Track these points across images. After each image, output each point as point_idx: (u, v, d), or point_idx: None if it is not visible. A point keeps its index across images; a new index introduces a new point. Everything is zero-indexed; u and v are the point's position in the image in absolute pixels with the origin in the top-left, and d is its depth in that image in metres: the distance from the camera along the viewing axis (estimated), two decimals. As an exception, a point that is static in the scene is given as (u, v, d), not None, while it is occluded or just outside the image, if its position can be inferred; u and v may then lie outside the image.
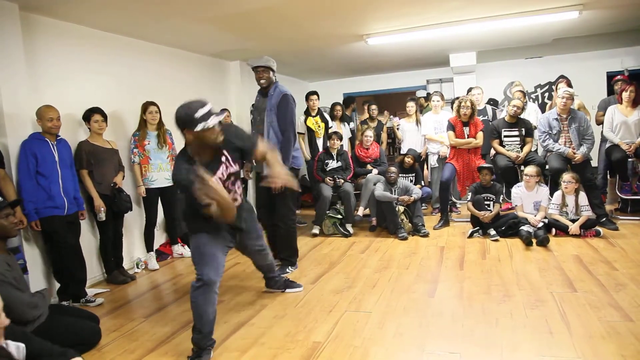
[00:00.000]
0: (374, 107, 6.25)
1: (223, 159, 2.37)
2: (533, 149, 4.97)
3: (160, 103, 4.22)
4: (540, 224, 4.22)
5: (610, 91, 5.66)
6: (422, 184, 5.58)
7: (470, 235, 4.45)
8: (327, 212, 4.99)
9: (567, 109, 4.59)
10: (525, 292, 2.93)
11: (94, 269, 3.82)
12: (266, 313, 2.92)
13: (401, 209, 4.78)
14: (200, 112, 2.11)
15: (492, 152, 5.13)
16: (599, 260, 3.46)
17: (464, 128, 4.83)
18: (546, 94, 7.31)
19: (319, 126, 5.59)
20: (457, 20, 4.60)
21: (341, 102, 6.58)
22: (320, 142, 5.59)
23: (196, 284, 2.35)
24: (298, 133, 5.50)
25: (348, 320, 2.69)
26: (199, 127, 2.11)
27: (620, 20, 5.01)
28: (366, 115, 6.36)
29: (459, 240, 4.39)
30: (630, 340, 2.19)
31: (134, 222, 4.26)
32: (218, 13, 3.80)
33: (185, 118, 2.13)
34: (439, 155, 5.44)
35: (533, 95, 7.33)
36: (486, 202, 4.55)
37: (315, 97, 5.58)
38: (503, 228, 4.34)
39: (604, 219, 4.37)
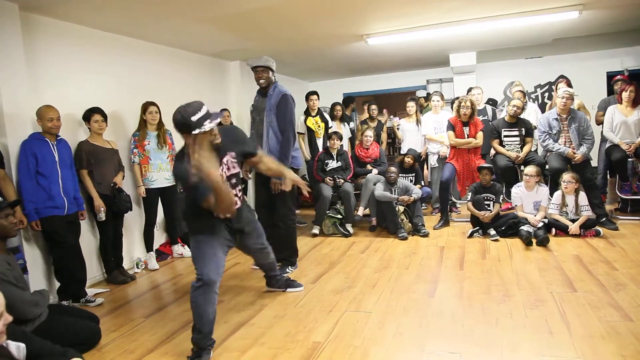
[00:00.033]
0: (373, 107, 6.25)
1: (224, 160, 2.39)
2: (533, 149, 4.97)
3: (160, 103, 4.22)
4: (540, 224, 4.22)
5: (610, 91, 5.66)
6: (422, 184, 5.58)
7: (470, 235, 4.45)
8: (327, 212, 4.99)
9: (567, 109, 4.60)
10: (525, 292, 2.94)
11: (94, 269, 3.82)
12: (266, 313, 2.92)
13: (401, 208, 4.78)
14: (196, 116, 2.10)
15: (492, 152, 5.13)
16: (598, 260, 3.46)
17: (464, 128, 4.83)
18: (546, 94, 7.31)
19: (319, 126, 5.59)
20: (457, 20, 4.60)
21: (341, 102, 6.57)
22: (320, 142, 5.59)
23: (196, 283, 2.35)
24: (298, 133, 5.51)
25: (348, 320, 2.69)
26: (195, 131, 2.11)
27: (620, 20, 5.01)
28: (366, 115, 6.36)
29: (459, 240, 4.39)
30: (630, 340, 2.19)
31: (134, 222, 4.26)
32: (218, 13, 3.80)
33: (182, 122, 2.12)
34: (439, 155, 5.44)
35: (533, 95, 7.33)
36: (486, 202, 4.55)
37: (315, 97, 5.58)
38: (503, 228, 4.34)
39: (604, 219, 4.37)
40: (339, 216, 5.00)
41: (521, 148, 4.82)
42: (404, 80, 8.13)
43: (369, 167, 5.43)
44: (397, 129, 6.25)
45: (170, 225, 4.54)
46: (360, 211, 5.05)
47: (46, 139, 3.22)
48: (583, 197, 4.24)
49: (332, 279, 3.50)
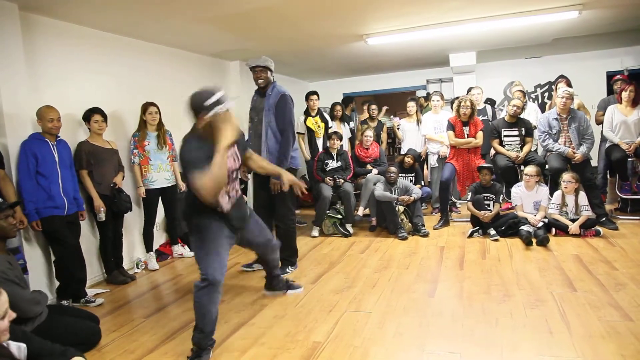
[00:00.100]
0: (374, 107, 6.25)
1: (230, 152, 2.38)
2: (533, 149, 4.97)
3: (160, 103, 4.22)
4: (540, 224, 4.22)
5: (610, 91, 5.66)
6: (422, 183, 5.58)
7: (470, 235, 4.45)
8: (327, 212, 4.99)
9: (567, 109, 4.60)
10: (525, 291, 2.94)
11: (94, 269, 3.82)
12: (266, 313, 2.92)
13: (401, 208, 4.78)
14: (212, 99, 2.17)
15: (492, 151, 5.14)
16: (598, 260, 3.46)
17: (464, 128, 4.83)
18: (546, 94, 7.31)
19: (319, 126, 5.59)
20: (457, 20, 4.60)
21: (341, 102, 6.57)
22: (320, 142, 5.59)
23: (201, 283, 2.32)
24: (298, 133, 5.53)
25: (348, 320, 2.69)
26: (211, 113, 2.17)
27: (620, 20, 5.01)
28: (366, 115, 6.37)
29: (458, 240, 4.39)
30: (630, 340, 2.19)
31: (133, 223, 4.26)
32: (218, 13, 3.80)
33: (199, 104, 2.19)
34: (439, 155, 5.44)
35: (533, 95, 7.33)
36: (486, 202, 4.55)
37: (315, 97, 5.58)
38: (503, 228, 4.34)
39: (604, 219, 4.37)
40: (339, 216, 5.00)
41: (521, 148, 4.82)
42: (404, 80, 8.12)
43: (369, 167, 5.43)
44: (397, 129, 6.25)
45: (171, 225, 4.54)
46: (360, 211, 5.05)
47: (46, 139, 3.22)
48: (583, 197, 4.24)
49: (332, 279, 3.50)
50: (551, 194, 4.40)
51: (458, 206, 5.59)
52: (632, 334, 2.25)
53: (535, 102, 7.06)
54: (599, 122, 5.13)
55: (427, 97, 6.59)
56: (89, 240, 3.78)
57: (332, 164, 5.13)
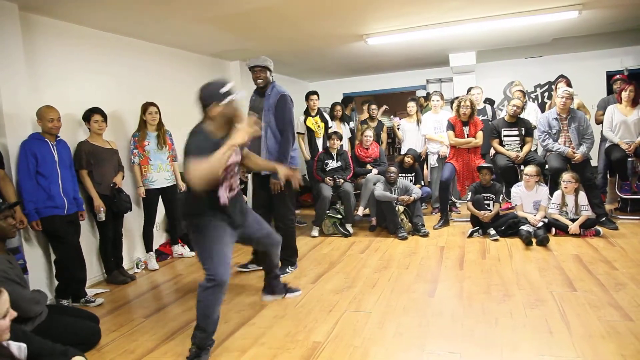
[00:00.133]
0: (374, 106, 6.25)
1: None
2: (533, 149, 4.97)
3: (160, 103, 4.22)
4: (540, 224, 4.22)
5: (610, 91, 5.67)
6: (422, 183, 5.58)
7: (470, 235, 4.45)
8: (327, 212, 4.99)
9: (567, 109, 4.60)
10: (525, 291, 2.94)
11: (93, 269, 3.82)
12: (266, 313, 2.92)
13: (401, 208, 4.78)
14: (226, 87, 2.26)
15: (492, 151, 5.14)
16: (598, 260, 3.46)
17: (464, 128, 4.83)
18: (546, 94, 7.31)
19: (319, 126, 5.59)
20: (457, 20, 4.60)
21: (340, 102, 6.57)
22: (320, 142, 5.59)
23: (208, 284, 2.30)
24: (298, 133, 5.52)
25: (348, 320, 2.70)
26: (226, 100, 2.23)
27: (619, 20, 5.01)
28: (365, 115, 6.37)
29: (458, 240, 4.39)
30: (630, 340, 2.19)
31: (133, 222, 4.26)
32: (218, 13, 3.80)
33: (214, 91, 2.25)
34: (439, 155, 5.44)
35: (533, 95, 7.33)
36: (486, 202, 4.55)
37: (315, 97, 5.57)
38: (503, 228, 4.34)
39: (604, 219, 4.37)
40: (339, 216, 5.00)
41: (521, 148, 4.82)
42: (404, 80, 8.13)
43: (368, 167, 5.43)
44: (397, 129, 6.25)
45: (171, 225, 4.54)
46: (360, 211, 5.05)
47: (46, 139, 3.22)
48: (583, 197, 4.24)
49: (332, 279, 3.50)
50: (551, 193, 4.40)
51: (458, 206, 5.60)
52: (632, 334, 2.25)
53: (535, 102, 7.07)
54: (599, 122, 5.13)
55: (427, 97, 6.60)
56: (89, 240, 3.78)
57: (332, 164, 5.13)
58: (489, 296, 2.91)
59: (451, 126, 4.87)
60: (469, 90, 5.86)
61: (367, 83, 8.36)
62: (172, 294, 3.47)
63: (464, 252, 3.96)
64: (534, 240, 4.02)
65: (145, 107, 4.12)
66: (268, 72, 3.57)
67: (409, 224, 4.77)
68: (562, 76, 5.45)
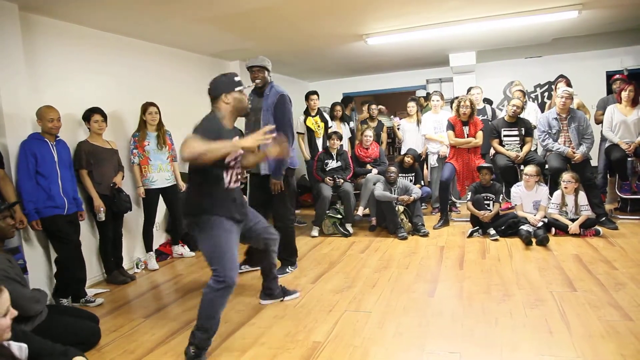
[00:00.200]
0: (374, 106, 6.25)
1: (236, 138, 2.44)
2: (533, 149, 4.97)
3: (160, 103, 4.22)
4: (540, 224, 4.22)
5: (610, 90, 5.67)
6: (422, 183, 5.58)
7: (470, 235, 4.45)
8: (327, 212, 4.99)
9: (567, 109, 4.60)
10: (525, 291, 2.94)
11: (93, 269, 3.82)
12: (266, 313, 2.92)
13: (401, 208, 4.78)
14: (234, 80, 2.44)
15: (492, 151, 5.14)
16: (598, 260, 3.46)
17: (464, 127, 4.83)
18: (545, 94, 7.31)
19: (319, 126, 5.59)
20: (457, 20, 4.60)
21: (340, 102, 6.57)
22: (320, 142, 5.59)
23: (217, 285, 2.28)
24: (297, 133, 5.53)
25: (348, 320, 2.70)
26: (238, 88, 2.41)
27: (619, 20, 5.01)
28: (365, 115, 6.36)
29: (458, 240, 4.39)
30: (629, 340, 2.19)
31: (133, 222, 4.26)
32: (218, 13, 3.80)
33: (226, 81, 2.43)
34: (439, 155, 5.44)
35: (533, 95, 7.33)
36: (486, 202, 4.55)
37: (315, 97, 5.57)
38: (503, 227, 4.34)
39: (604, 219, 4.37)
40: (339, 216, 5.00)
41: (521, 148, 4.82)
42: (404, 80, 8.12)
43: (368, 167, 5.43)
44: (397, 129, 6.26)
45: (173, 225, 4.53)
46: (360, 211, 5.05)
47: (45, 139, 3.22)
48: (583, 197, 4.24)
49: (332, 279, 3.50)
50: (551, 193, 4.40)
51: (458, 206, 5.60)
52: (632, 334, 2.25)
53: (535, 101, 7.07)
54: (599, 122, 5.14)
55: (427, 97, 6.60)
56: (88, 240, 3.77)
57: (332, 164, 5.13)
58: (489, 296, 2.91)
59: (451, 126, 4.87)
60: (468, 90, 5.86)
61: (367, 83, 8.36)
62: (172, 294, 3.47)
63: (464, 252, 3.96)
64: (533, 240, 4.02)
65: (145, 107, 4.12)
66: (266, 72, 3.57)
67: (409, 224, 4.78)
68: (562, 76, 5.45)
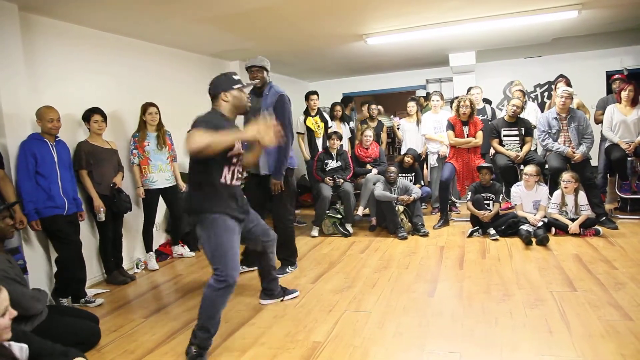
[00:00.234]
0: (374, 106, 6.25)
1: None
2: (532, 149, 4.97)
3: (160, 103, 4.21)
4: (540, 223, 4.22)
5: (609, 90, 5.67)
6: (422, 183, 5.58)
7: (470, 235, 4.45)
8: (327, 211, 4.99)
9: (567, 108, 4.60)
10: (525, 291, 2.94)
11: (93, 270, 3.82)
12: (266, 313, 2.92)
13: (401, 208, 4.78)
14: (233, 78, 2.49)
15: (492, 151, 5.14)
16: (598, 260, 3.46)
17: (464, 127, 4.84)
18: (545, 94, 7.31)
19: (319, 126, 5.59)
20: (457, 20, 4.60)
21: (340, 102, 6.57)
22: (319, 142, 5.59)
23: (218, 285, 2.29)
24: (297, 133, 5.53)
25: (348, 320, 2.70)
26: (237, 86, 2.45)
27: (619, 20, 5.01)
28: (365, 115, 6.36)
29: (458, 240, 4.39)
30: (629, 340, 2.19)
31: (133, 223, 4.26)
32: (218, 13, 3.80)
33: (225, 79, 2.47)
34: (439, 155, 5.44)
35: (532, 95, 7.33)
36: (486, 202, 4.55)
37: (315, 96, 5.57)
38: (503, 227, 4.34)
39: (604, 218, 4.37)
40: (339, 216, 5.00)
41: (521, 147, 4.83)
42: (404, 80, 8.12)
43: (368, 166, 5.43)
44: (397, 128, 6.25)
45: (174, 225, 4.53)
46: (360, 211, 5.05)
47: (45, 139, 3.22)
48: (582, 197, 4.24)
49: (332, 279, 3.50)
50: (551, 193, 4.40)
51: (458, 206, 5.60)
52: (632, 334, 2.25)
53: (535, 101, 7.07)
54: (598, 122, 5.14)
55: (427, 97, 6.60)
56: (88, 241, 3.77)
57: (332, 164, 5.13)
58: (489, 296, 2.91)
59: (451, 126, 4.87)
60: (468, 90, 5.86)
61: (366, 83, 8.36)
62: (172, 294, 3.47)
63: (464, 252, 3.96)
64: (533, 240, 4.02)
65: (145, 107, 4.11)
66: (265, 72, 3.56)
67: (409, 223, 4.78)
68: (561, 76, 5.46)
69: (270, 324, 2.74)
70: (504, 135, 4.89)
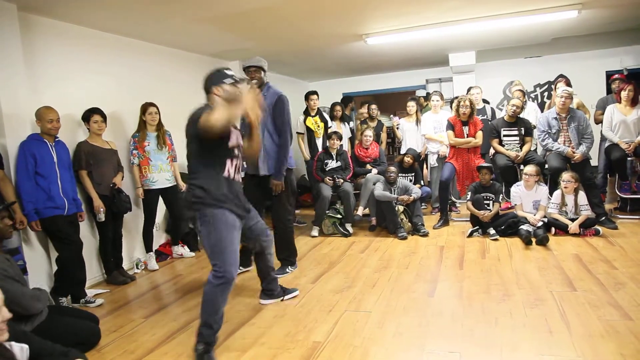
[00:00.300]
0: (373, 106, 6.25)
1: (236, 135, 2.50)
2: (532, 148, 4.97)
3: (160, 103, 4.21)
4: (540, 223, 4.22)
5: (609, 90, 5.67)
6: (422, 183, 5.58)
7: (470, 235, 4.45)
8: (327, 211, 4.99)
9: (566, 108, 4.60)
10: (525, 291, 2.94)
11: (93, 270, 3.82)
12: (266, 313, 2.92)
13: (401, 208, 4.78)
14: (225, 73, 2.49)
15: (492, 151, 5.14)
16: (598, 259, 3.47)
17: (464, 127, 4.84)
18: (545, 93, 7.31)
19: (319, 126, 5.59)
20: (456, 20, 4.60)
21: (340, 102, 6.57)
22: (319, 142, 5.59)
23: (217, 281, 2.30)
24: (297, 133, 5.53)
25: (348, 320, 2.70)
26: (229, 80, 2.44)
27: (619, 20, 5.02)
28: (365, 115, 6.36)
29: (458, 240, 4.39)
30: (629, 339, 2.20)
31: (133, 223, 4.26)
32: (218, 13, 3.80)
33: (217, 74, 2.48)
34: (439, 155, 5.44)
35: (532, 95, 7.34)
36: (486, 202, 4.55)
37: (315, 96, 5.57)
38: (502, 227, 4.34)
39: (604, 218, 4.37)
40: (339, 216, 5.00)
41: (521, 147, 4.83)
42: (404, 80, 8.13)
43: (368, 166, 5.43)
44: (397, 128, 6.26)
45: (174, 225, 4.53)
46: (360, 211, 5.05)
47: (45, 139, 3.22)
48: (582, 197, 4.24)
49: (332, 279, 3.50)
50: (551, 193, 4.40)
51: (457, 206, 5.60)
52: (632, 333, 2.25)
53: (535, 101, 7.07)
54: (598, 122, 5.14)
55: (427, 97, 6.60)
56: (88, 241, 3.76)
57: (332, 164, 5.13)
58: (489, 296, 2.91)
59: (451, 126, 4.87)
60: (468, 90, 5.86)
61: (366, 83, 8.36)
62: (172, 295, 3.47)
63: (464, 252, 3.96)
64: (533, 240, 4.02)
65: (145, 107, 4.11)
66: (262, 72, 3.56)
67: (409, 223, 4.78)
68: (561, 76, 5.46)
69: (270, 324, 2.74)
70: (504, 135, 4.89)
